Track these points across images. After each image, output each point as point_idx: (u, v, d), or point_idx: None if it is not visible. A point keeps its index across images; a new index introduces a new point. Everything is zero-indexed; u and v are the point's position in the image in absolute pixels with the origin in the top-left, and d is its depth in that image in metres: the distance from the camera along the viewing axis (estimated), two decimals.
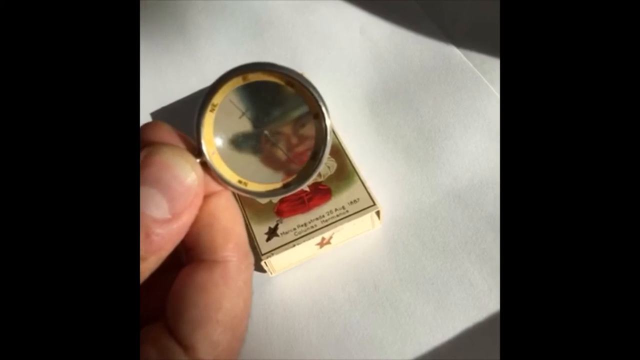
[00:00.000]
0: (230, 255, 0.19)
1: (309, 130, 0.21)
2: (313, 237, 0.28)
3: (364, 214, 0.28)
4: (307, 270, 0.30)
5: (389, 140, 0.33)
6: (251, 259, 0.20)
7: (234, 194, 0.21)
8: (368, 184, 0.29)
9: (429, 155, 0.32)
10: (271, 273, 0.29)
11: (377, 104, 0.35)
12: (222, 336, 0.18)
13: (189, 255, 0.19)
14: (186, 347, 0.17)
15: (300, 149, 0.22)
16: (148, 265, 0.18)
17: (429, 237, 0.30)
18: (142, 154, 0.18)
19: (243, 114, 0.22)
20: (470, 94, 0.34)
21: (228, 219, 0.20)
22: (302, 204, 0.29)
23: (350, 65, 0.37)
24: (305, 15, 0.40)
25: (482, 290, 0.27)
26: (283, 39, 0.39)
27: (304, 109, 0.21)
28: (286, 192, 0.21)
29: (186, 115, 0.36)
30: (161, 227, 0.17)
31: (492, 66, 0.35)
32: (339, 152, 0.30)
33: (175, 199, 0.18)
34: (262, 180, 0.21)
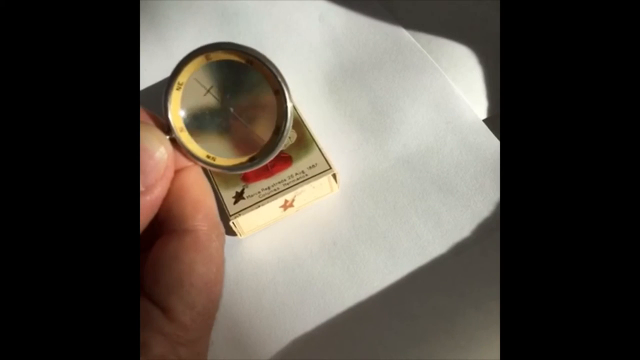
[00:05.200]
0: (200, 224, 0.20)
1: (271, 106, 0.22)
2: (276, 199, 0.31)
3: (322, 176, 0.31)
4: (273, 232, 0.33)
5: (346, 114, 0.37)
6: (222, 229, 0.21)
7: (203, 168, 0.22)
8: (325, 151, 0.33)
9: (381, 126, 0.36)
10: (240, 235, 0.33)
11: (335, 83, 0.38)
12: (197, 298, 0.19)
13: (162, 227, 0.20)
14: (164, 309, 0.18)
15: (263, 124, 0.23)
16: None
17: (381, 198, 0.33)
18: None
19: (208, 91, 0.23)
20: (417, 71, 0.37)
21: (197, 191, 0.20)
22: (265, 170, 0.32)
23: (311, 49, 0.40)
24: (267, 7, 0.43)
25: (426, 240, 0.31)
26: (247, 28, 0.42)
27: (265, 86, 0.22)
28: (252, 167, 0.22)
29: (158, 99, 0.39)
30: None
31: (437, 45, 0.38)
32: (299, 124, 0.34)
33: (146, 172, 0.18)
34: (230, 155, 0.22)
